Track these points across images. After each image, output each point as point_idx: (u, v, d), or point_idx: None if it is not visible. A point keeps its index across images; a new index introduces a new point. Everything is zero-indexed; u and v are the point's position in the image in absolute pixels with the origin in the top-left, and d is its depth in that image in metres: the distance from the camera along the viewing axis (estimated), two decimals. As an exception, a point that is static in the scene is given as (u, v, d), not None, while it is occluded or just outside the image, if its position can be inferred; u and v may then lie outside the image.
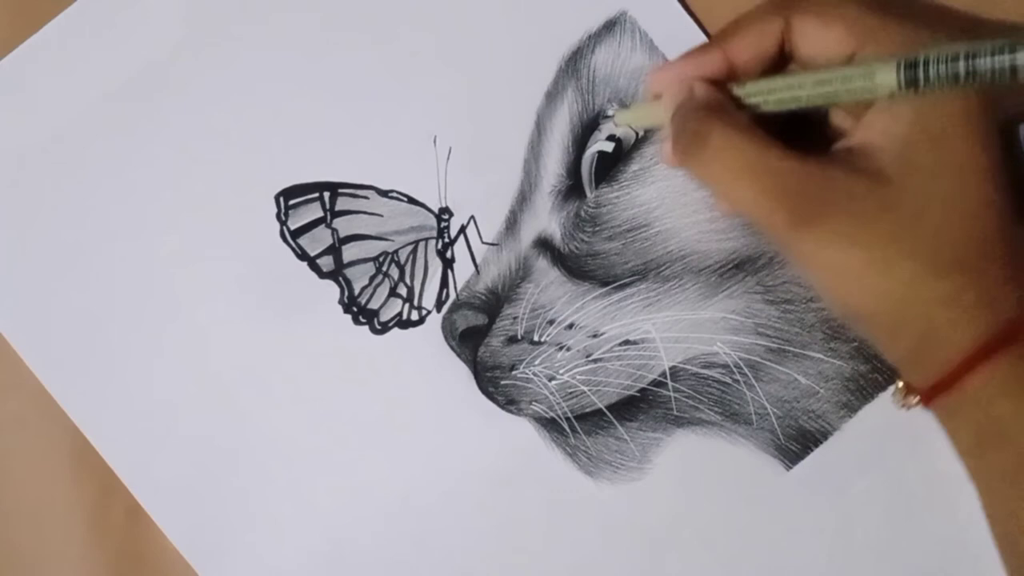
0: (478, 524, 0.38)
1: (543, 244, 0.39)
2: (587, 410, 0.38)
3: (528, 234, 0.39)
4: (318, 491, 0.38)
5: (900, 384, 0.34)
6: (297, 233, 0.39)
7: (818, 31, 0.30)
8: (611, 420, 0.38)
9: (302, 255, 0.39)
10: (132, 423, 0.38)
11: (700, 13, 0.38)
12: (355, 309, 0.39)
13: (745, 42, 0.31)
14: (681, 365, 0.38)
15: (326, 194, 0.39)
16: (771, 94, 0.31)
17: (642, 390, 0.38)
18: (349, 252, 0.39)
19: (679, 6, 0.38)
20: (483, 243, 0.39)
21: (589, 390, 0.38)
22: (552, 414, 0.38)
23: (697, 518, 0.38)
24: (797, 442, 0.38)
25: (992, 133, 0.29)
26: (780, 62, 0.32)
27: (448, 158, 0.39)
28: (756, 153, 0.29)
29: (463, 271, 0.39)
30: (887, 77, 0.28)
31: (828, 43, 0.30)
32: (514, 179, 0.39)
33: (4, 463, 0.39)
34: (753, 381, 0.38)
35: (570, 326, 0.38)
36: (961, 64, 0.27)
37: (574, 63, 0.38)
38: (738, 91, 0.31)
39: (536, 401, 0.38)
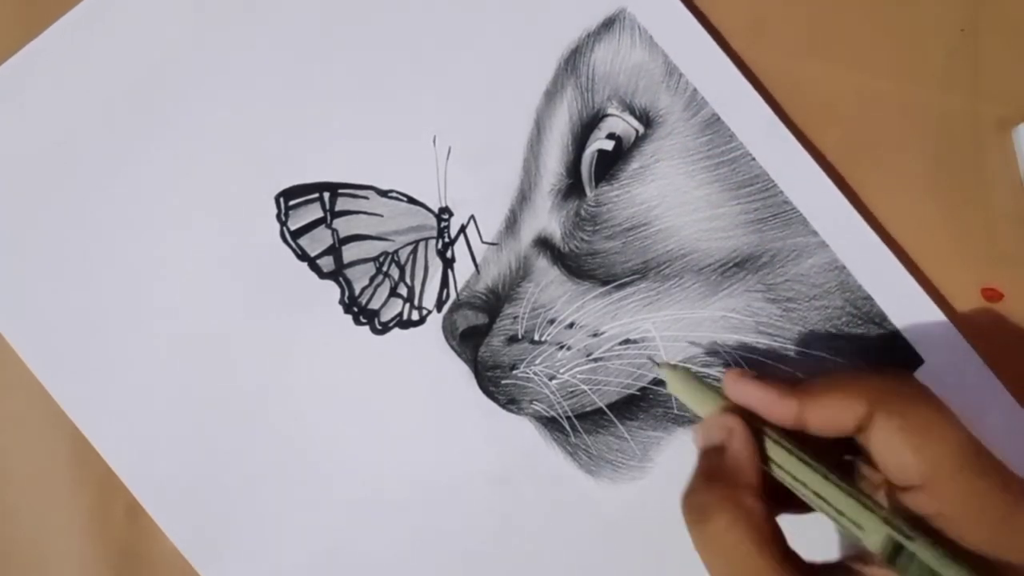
0: (479, 523, 0.38)
1: (543, 243, 0.38)
2: (588, 409, 0.38)
3: (528, 233, 0.39)
4: (318, 490, 0.38)
5: None
6: (297, 234, 0.39)
7: (894, 443, 0.29)
8: (612, 419, 0.38)
9: (302, 255, 0.39)
10: (132, 423, 0.38)
11: (699, 9, 0.38)
12: (356, 309, 0.39)
13: (824, 412, 0.30)
14: (681, 364, 0.38)
15: (326, 194, 0.39)
16: (791, 475, 0.30)
17: (642, 389, 0.38)
18: (349, 252, 0.39)
19: (678, 2, 0.38)
20: (483, 243, 0.39)
21: (590, 389, 0.38)
22: (553, 413, 0.38)
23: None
24: (800, 441, 0.38)
25: None
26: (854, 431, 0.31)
27: (448, 157, 0.39)
28: (748, 556, 0.29)
29: (463, 271, 0.39)
30: (873, 541, 0.28)
31: (897, 460, 0.29)
32: (514, 178, 0.39)
33: (4, 463, 0.39)
34: (754, 379, 0.38)
35: (570, 325, 0.38)
36: None
37: (573, 61, 0.38)
38: (771, 444, 0.31)
39: (537, 400, 0.38)
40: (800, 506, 0.31)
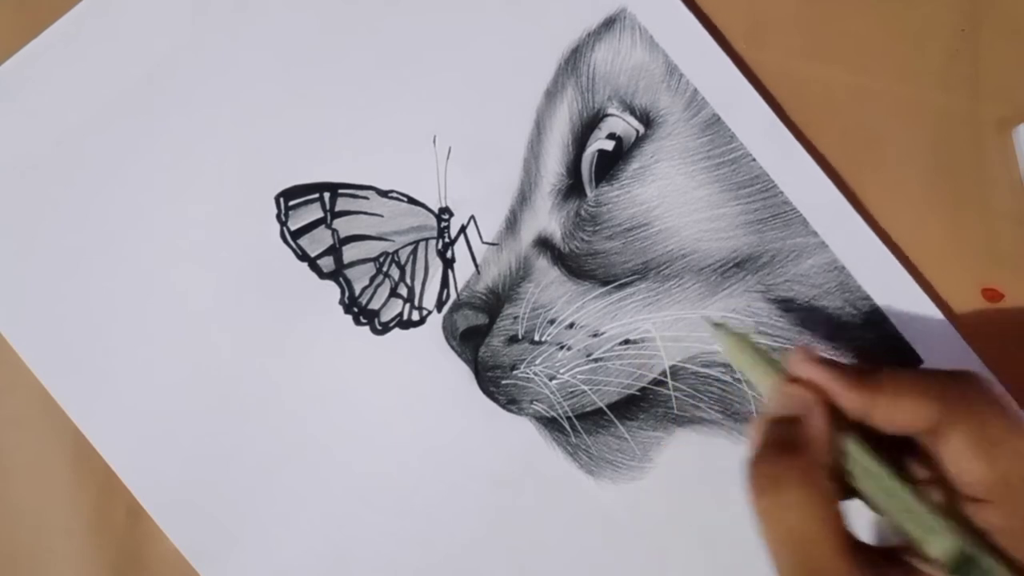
0: (479, 523, 0.38)
1: (543, 243, 0.38)
2: (588, 409, 0.38)
3: (528, 233, 0.39)
4: (318, 491, 0.38)
5: None
6: (297, 234, 0.39)
7: (968, 454, 0.28)
8: (612, 419, 0.38)
9: (302, 256, 0.39)
10: (132, 423, 0.38)
11: (699, 9, 0.38)
12: (356, 310, 0.39)
13: (894, 410, 0.29)
14: (681, 364, 0.38)
15: (326, 195, 0.39)
16: (861, 465, 0.29)
17: (642, 389, 0.38)
18: (349, 253, 0.39)
19: (679, 2, 0.38)
20: (483, 243, 0.39)
21: (590, 389, 0.38)
22: (553, 413, 0.38)
23: (698, 517, 0.38)
24: (799, 441, 0.38)
25: None
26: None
27: (448, 158, 0.39)
28: (815, 534, 0.27)
29: (463, 271, 0.39)
30: (941, 548, 0.27)
31: (970, 471, 0.28)
32: (514, 178, 0.39)
33: (4, 463, 0.39)
34: (754, 380, 0.38)
35: (571, 325, 0.38)
36: None
37: (574, 61, 0.38)
38: (848, 443, 0.30)
39: (537, 400, 0.38)
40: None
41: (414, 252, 0.39)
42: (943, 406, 0.28)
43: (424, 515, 0.38)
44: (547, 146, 0.38)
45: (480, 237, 0.39)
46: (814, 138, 0.38)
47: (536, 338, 0.38)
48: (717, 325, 0.33)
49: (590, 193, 0.38)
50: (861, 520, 0.30)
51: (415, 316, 0.39)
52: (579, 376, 0.38)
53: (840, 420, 0.30)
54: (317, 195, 0.39)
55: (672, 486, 0.38)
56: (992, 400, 0.29)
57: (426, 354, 0.39)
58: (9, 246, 0.39)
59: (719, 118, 0.38)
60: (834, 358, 0.31)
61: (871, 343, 0.38)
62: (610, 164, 0.38)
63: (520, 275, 0.38)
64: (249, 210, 0.39)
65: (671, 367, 0.38)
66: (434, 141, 0.39)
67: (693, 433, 0.38)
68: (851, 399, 0.29)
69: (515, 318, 0.38)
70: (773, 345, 0.38)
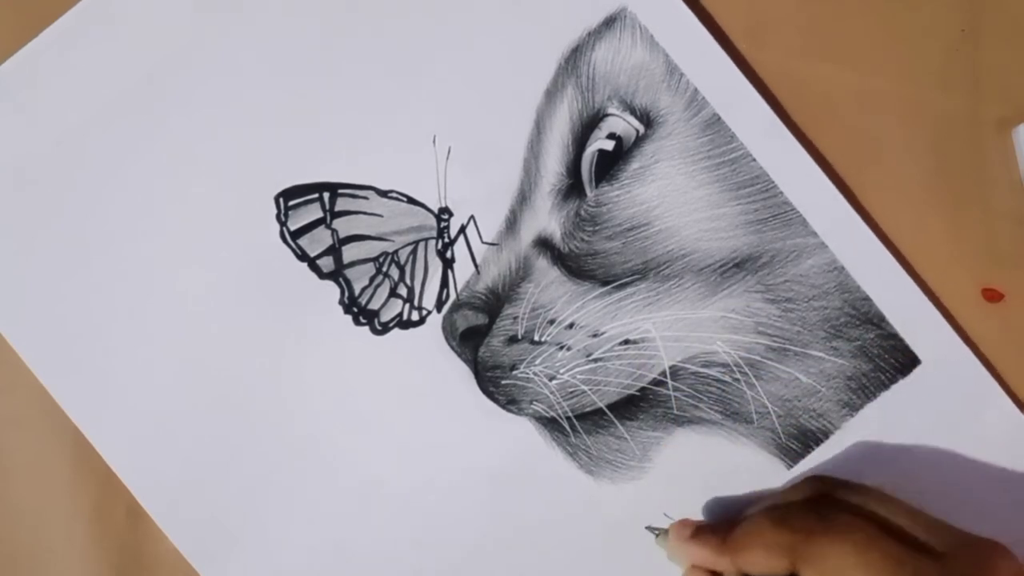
0: (479, 524, 0.38)
1: (543, 243, 0.38)
2: (587, 409, 0.38)
3: (528, 233, 0.39)
4: (318, 491, 0.38)
5: None
6: (297, 234, 0.39)
7: None
8: (611, 419, 0.38)
9: (302, 256, 0.39)
10: (132, 423, 0.38)
11: (700, 8, 0.38)
12: (355, 310, 0.39)
13: (754, 560, 0.32)
14: (681, 364, 0.38)
15: (326, 195, 0.39)
16: None
17: (642, 389, 0.38)
18: (349, 253, 0.39)
19: (679, 1, 0.38)
20: (483, 243, 0.39)
21: (589, 389, 0.38)
22: (552, 413, 0.38)
23: (698, 517, 0.38)
24: (798, 441, 0.38)
25: None
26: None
27: (448, 158, 0.39)
28: None
29: (463, 271, 0.39)
30: None
31: None
32: (514, 178, 0.39)
33: (4, 463, 0.39)
34: (754, 380, 0.38)
35: (570, 325, 0.38)
36: None
37: (574, 60, 0.38)
38: None
39: (537, 400, 0.38)
40: None
41: (414, 252, 0.39)
42: (787, 556, 0.31)
43: (424, 515, 0.38)
44: (547, 146, 0.38)
45: (480, 237, 0.39)
46: (814, 138, 0.38)
47: (536, 338, 0.38)
48: (659, 531, 0.37)
49: (590, 193, 0.38)
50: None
51: (415, 316, 0.39)
52: (579, 376, 0.38)
53: None
54: (317, 195, 0.39)
55: (672, 486, 0.38)
56: (830, 534, 0.31)
57: (426, 354, 0.39)
58: (9, 246, 0.39)
59: (719, 118, 0.38)
60: (698, 533, 0.35)
61: (870, 343, 0.38)
62: (610, 164, 0.38)
63: (520, 275, 0.38)
64: (249, 210, 0.39)
65: (671, 367, 0.38)
66: (434, 141, 0.39)
67: (693, 433, 0.38)
68: (723, 564, 0.34)
69: (515, 318, 0.38)
70: (772, 345, 0.38)
